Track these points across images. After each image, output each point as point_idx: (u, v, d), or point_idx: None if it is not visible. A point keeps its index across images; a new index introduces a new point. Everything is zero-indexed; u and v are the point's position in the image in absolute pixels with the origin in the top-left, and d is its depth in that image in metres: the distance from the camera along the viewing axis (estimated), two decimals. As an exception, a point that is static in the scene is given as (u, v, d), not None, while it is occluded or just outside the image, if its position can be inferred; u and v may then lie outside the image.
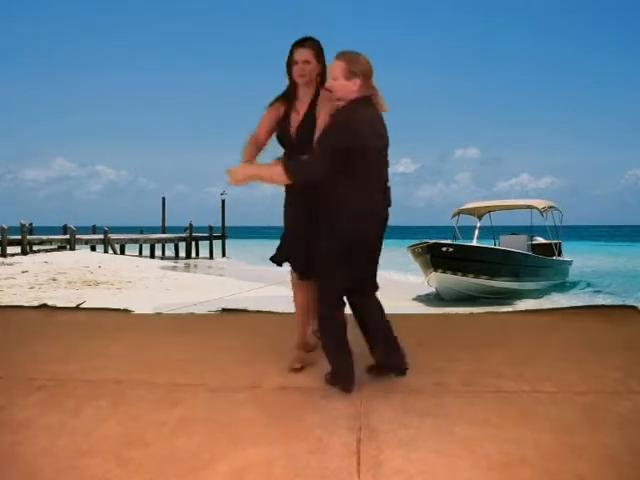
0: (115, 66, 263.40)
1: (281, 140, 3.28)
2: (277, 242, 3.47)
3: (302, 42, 3.17)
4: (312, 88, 3.20)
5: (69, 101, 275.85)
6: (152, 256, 32.04)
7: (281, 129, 3.26)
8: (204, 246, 34.63)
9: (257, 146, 3.27)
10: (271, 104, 3.30)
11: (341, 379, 3.04)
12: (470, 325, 5.37)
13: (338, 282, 2.99)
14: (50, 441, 2.55)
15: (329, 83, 2.98)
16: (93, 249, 29.43)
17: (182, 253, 34.07)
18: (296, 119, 3.21)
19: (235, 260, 32.30)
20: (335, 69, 2.92)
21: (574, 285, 17.94)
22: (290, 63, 3.18)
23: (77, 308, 7.77)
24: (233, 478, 2.25)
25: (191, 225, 34.53)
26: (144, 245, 33.93)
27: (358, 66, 2.92)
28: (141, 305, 9.30)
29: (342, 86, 2.91)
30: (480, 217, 17.68)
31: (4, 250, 24.82)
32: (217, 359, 3.79)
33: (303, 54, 3.14)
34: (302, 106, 3.21)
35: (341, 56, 2.94)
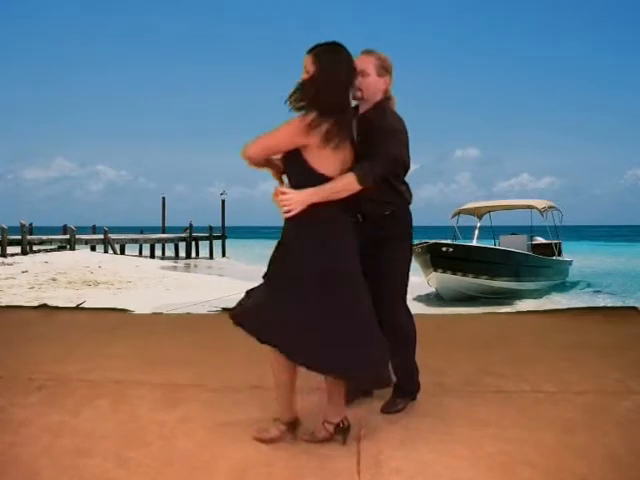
0: (115, 66, 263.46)
1: None
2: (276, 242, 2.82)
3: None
4: None
5: (69, 101, 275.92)
6: (152, 256, 32.00)
7: None
8: (204, 246, 34.62)
9: None
10: None
11: (416, 390, 3.01)
12: (470, 325, 5.38)
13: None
14: (50, 441, 2.55)
15: (357, 80, 2.63)
16: (93, 249, 29.39)
17: (182, 253, 34.04)
18: None
19: (235, 260, 32.30)
20: (367, 64, 2.70)
21: (574, 285, 17.94)
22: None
23: (77, 308, 7.79)
24: (233, 478, 2.25)
25: (191, 225, 34.52)
26: (144, 245, 33.89)
27: (388, 64, 2.77)
28: (141, 305, 9.29)
29: (374, 83, 2.72)
30: (480, 217, 17.67)
31: (4, 250, 24.80)
32: (217, 359, 3.80)
33: (304, 60, 2.53)
34: None
35: (370, 52, 2.74)
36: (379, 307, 2.62)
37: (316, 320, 2.41)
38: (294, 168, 2.48)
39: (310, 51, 2.48)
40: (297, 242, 2.48)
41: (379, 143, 2.58)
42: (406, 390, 2.93)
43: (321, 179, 2.42)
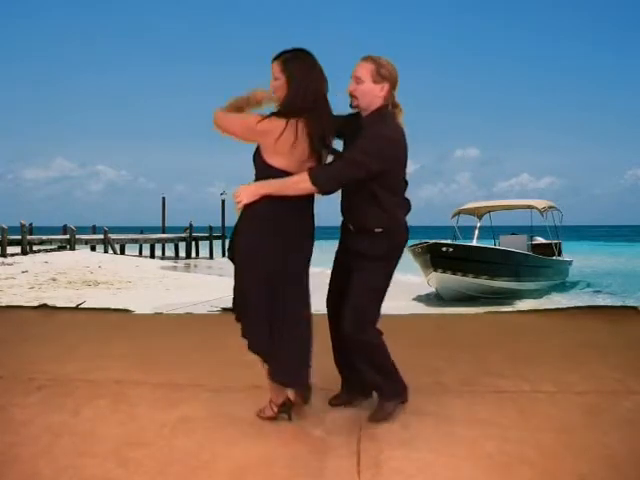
0: (115, 66, 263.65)
1: None
2: None
3: (277, 54, 2.60)
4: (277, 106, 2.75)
5: (69, 101, 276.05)
6: (152, 256, 31.96)
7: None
8: (204, 246, 34.59)
9: None
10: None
11: (400, 394, 2.83)
12: (470, 325, 5.38)
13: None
14: (50, 441, 2.55)
15: (352, 87, 2.62)
16: (93, 249, 29.36)
17: (182, 253, 34.00)
18: None
19: (235, 260, 32.22)
20: (362, 71, 2.60)
21: (574, 285, 17.93)
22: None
23: (77, 308, 7.78)
24: (233, 478, 2.25)
25: (191, 225, 34.51)
26: (144, 245, 33.86)
27: (388, 70, 2.62)
28: (141, 305, 9.29)
29: (369, 90, 2.60)
30: (480, 217, 17.65)
31: (4, 250, 24.78)
32: (217, 359, 3.80)
33: (273, 68, 2.60)
34: None
35: (368, 58, 2.63)
36: (345, 318, 2.64)
37: (266, 314, 2.60)
38: (255, 161, 2.61)
39: (277, 58, 2.57)
40: (241, 236, 2.61)
41: (353, 148, 2.54)
42: (390, 393, 2.80)
43: (278, 173, 2.52)
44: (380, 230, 2.65)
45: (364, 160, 2.52)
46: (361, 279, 2.69)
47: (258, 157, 2.58)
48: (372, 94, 2.62)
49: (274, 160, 2.54)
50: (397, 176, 2.67)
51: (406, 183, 2.75)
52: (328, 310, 2.91)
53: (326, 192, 2.58)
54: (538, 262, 15.82)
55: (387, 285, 2.77)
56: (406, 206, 2.76)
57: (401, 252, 2.77)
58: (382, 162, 2.55)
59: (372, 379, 2.79)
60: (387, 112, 2.64)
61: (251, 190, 2.51)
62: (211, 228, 35.82)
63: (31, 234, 29.62)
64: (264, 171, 2.56)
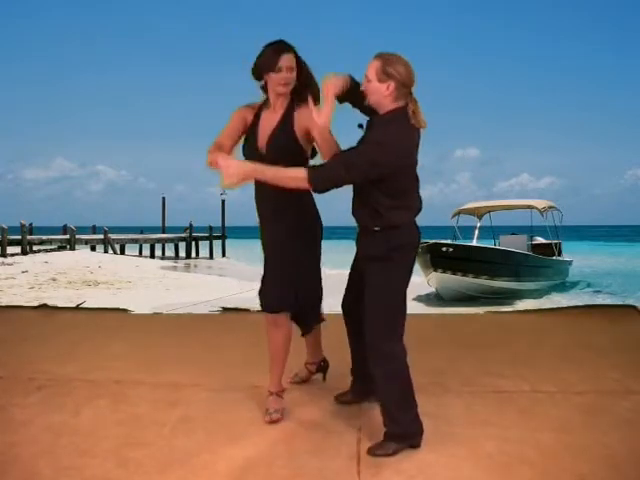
0: (115, 66, 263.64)
1: (247, 151, 2.86)
2: None
3: (286, 46, 2.75)
4: (287, 97, 2.81)
5: (69, 101, 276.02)
6: (152, 256, 31.95)
7: (249, 139, 2.86)
8: (204, 246, 34.61)
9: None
10: (239, 109, 2.91)
11: (410, 437, 2.50)
12: (470, 325, 5.38)
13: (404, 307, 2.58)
14: (50, 441, 2.55)
15: (363, 85, 2.55)
16: (93, 249, 29.35)
17: (182, 253, 34.01)
18: (267, 130, 2.80)
19: (235, 260, 32.30)
20: (370, 69, 2.51)
21: (574, 285, 17.94)
22: (267, 68, 2.74)
23: (77, 308, 7.77)
24: (233, 478, 2.25)
25: (191, 225, 34.51)
26: (144, 245, 33.85)
27: (394, 68, 2.48)
28: (141, 305, 9.29)
29: (375, 89, 2.50)
30: (480, 217, 17.65)
31: (4, 250, 24.77)
32: (217, 359, 3.80)
33: (289, 60, 2.72)
34: (274, 117, 2.80)
35: (378, 56, 2.53)
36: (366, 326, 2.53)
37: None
38: (287, 156, 2.69)
39: (290, 50, 2.75)
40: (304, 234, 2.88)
41: (354, 149, 2.51)
42: (395, 434, 2.48)
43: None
44: (378, 229, 2.54)
45: (362, 165, 2.44)
46: (366, 281, 2.58)
47: (299, 153, 2.76)
48: (378, 93, 2.51)
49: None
50: (397, 180, 2.53)
51: (417, 180, 2.63)
52: (343, 311, 2.88)
53: (319, 192, 2.54)
54: (538, 262, 15.82)
55: (395, 288, 2.56)
56: (411, 207, 2.61)
57: (406, 254, 2.58)
58: (377, 170, 2.45)
59: (384, 402, 2.54)
60: (398, 114, 2.51)
61: (246, 171, 2.46)
62: (211, 228, 35.83)
63: (31, 234, 29.60)
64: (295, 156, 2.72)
